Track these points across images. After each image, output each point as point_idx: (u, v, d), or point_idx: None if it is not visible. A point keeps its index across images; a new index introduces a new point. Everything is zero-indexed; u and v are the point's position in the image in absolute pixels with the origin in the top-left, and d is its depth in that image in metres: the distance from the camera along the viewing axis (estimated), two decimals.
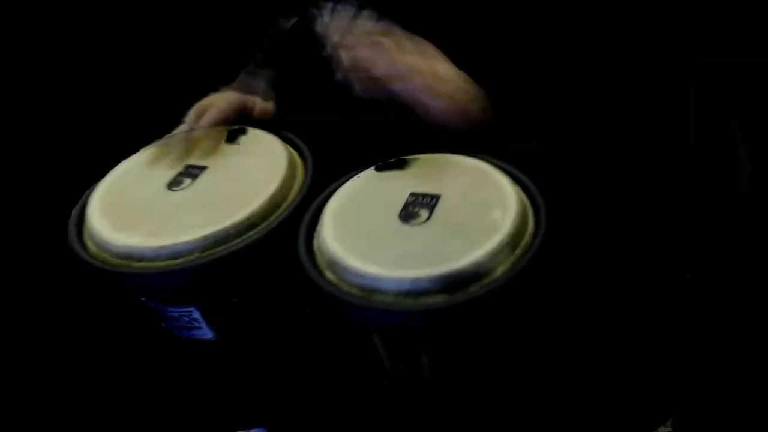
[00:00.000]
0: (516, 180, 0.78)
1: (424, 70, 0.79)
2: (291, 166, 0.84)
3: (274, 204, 0.81)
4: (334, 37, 0.83)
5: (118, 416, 0.91)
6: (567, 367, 0.87)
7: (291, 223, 0.80)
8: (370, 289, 0.71)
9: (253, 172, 0.84)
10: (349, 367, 0.86)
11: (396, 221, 0.76)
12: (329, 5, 0.87)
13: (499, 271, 0.70)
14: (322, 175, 0.84)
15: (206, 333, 0.84)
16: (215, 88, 0.94)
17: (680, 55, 0.79)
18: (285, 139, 0.88)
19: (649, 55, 0.81)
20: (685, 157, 0.83)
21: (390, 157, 0.83)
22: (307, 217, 0.80)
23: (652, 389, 0.89)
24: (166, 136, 0.92)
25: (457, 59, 0.83)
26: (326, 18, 0.86)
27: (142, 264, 0.77)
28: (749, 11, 0.77)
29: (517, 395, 0.85)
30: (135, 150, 0.91)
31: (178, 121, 0.93)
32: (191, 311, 0.82)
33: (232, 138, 0.90)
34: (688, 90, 0.81)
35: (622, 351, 0.89)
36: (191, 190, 0.83)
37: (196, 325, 0.83)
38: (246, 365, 0.91)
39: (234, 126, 0.91)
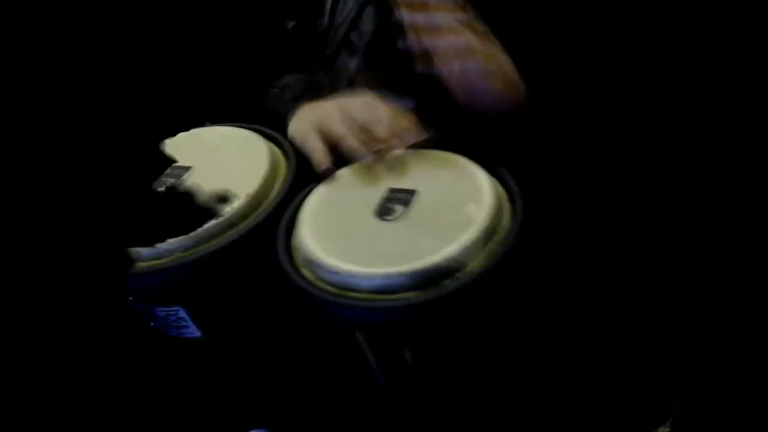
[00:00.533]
0: (495, 174, 0.76)
1: (484, 52, 0.79)
2: (273, 164, 0.84)
3: (255, 203, 0.81)
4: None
5: (117, 418, 0.92)
6: (566, 366, 0.85)
7: (272, 221, 0.80)
8: (343, 287, 0.71)
9: (234, 170, 0.84)
10: (337, 366, 0.86)
11: (372, 217, 0.75)
12: None
13: (472, 266, 0.69)
14: (306, 172, 0.83)
15: (194, 331, 0.85)
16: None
17: (680, 55, 0.78)
18: (268, 137, 0.88)
19: (649, 55, 0.79)
20: (684, 155, 0.81)
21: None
22: (287, 214, 0.79)
23: (652, 389, 0.86)
24: None
25: None
26: None
27: None
28: (749, 11, 0.75)
29: (514, 394, 0.83)
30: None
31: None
32: (177, 310, 0.83)
33: None
34: (688, 90, 0.79)
35: (622, 350, 0.86)
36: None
37: (183, 323, 0.84)
38: (244, 365, 0.91)
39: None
